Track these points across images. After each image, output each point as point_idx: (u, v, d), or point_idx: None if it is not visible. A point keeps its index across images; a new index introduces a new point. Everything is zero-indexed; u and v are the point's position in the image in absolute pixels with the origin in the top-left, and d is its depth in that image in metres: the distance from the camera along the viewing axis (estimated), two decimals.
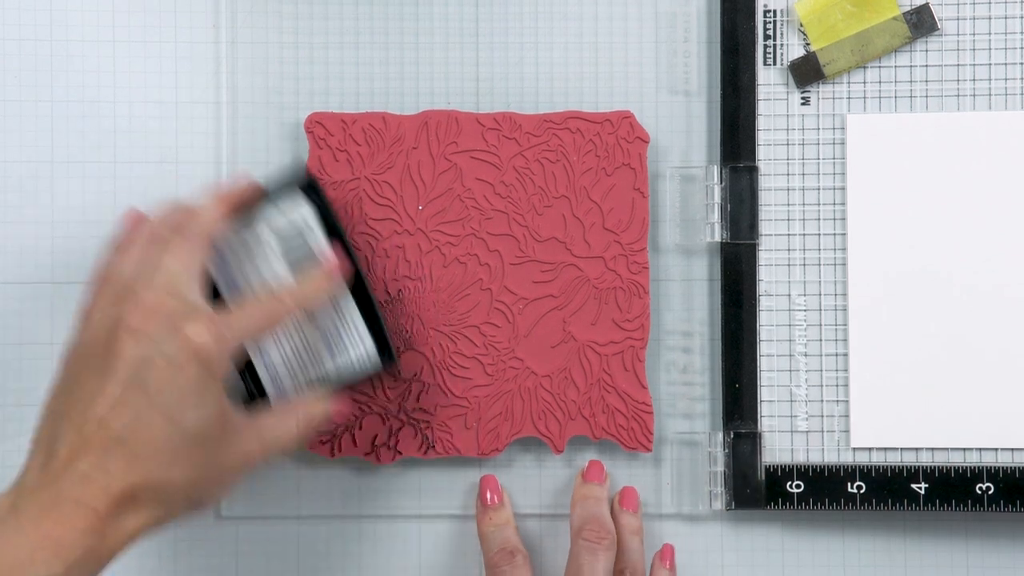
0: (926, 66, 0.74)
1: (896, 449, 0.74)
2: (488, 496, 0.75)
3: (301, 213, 0.71)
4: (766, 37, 0.75)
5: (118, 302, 0.63)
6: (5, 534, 0.58)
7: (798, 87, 0.75)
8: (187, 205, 0.67)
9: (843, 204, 0.75)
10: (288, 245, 0.71)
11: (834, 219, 0.75)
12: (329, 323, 0.71)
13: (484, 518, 0.74)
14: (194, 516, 0.64)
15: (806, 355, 0.75)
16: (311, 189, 0.71)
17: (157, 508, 0.61)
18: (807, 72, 0.75)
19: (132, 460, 0.60)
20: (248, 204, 0.70)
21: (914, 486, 0.74)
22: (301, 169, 0.72)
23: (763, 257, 0.75)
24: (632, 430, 0.75)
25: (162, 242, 0.65)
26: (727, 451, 0.75)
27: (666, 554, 0.74)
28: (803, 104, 0.75)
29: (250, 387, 0.70)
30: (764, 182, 0.75)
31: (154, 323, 0.62)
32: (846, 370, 0.74)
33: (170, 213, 0.67)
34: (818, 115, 0.75)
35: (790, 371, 0.75)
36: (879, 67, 0.75)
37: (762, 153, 0.75)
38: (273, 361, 0.71)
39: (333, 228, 0.71)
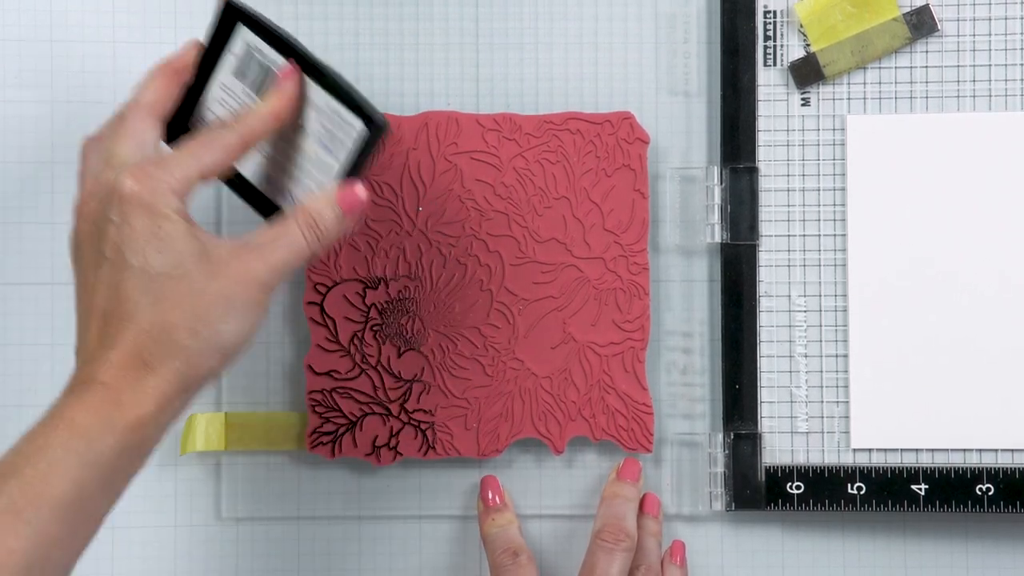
0: (926, 67, 0.74)
1: (896, 450, 0.74)
2: (490, 496, 0.75)
3: (244, 40, 0.68)
4: (766, 38, 0.75)
5: (78, 196, 0.64)
6: (38, 437, 0.58)
7: (798, 88, 0.75)
8: (130, 97, 0.67)
9: (843, 205, 0.75)
10: (243, 70, 0.68)
11: (834, 220, 0.75)
12: (319, 129, 0.67)
13: (487, 519, 0.74)
14: (223, 368, 0.62)
15: (806, 356, 0.75)
16: (239, 16, 0.68)
17: (171, 361, 0.60)
18: (807, 73, 0.75)
19: (122, 324, 0.60)
20: (197, 63, 0.68)
21: (914, 487, 0.74)
22: (220, 3, 0.68)
23: (763, 258, 0.75)
24: (632, 431, 0.75)
25: (107, 134, 0.65)
26: (727, 452, 0.75)
27: (676, 551, 0.74)
28: (803, 105, 0.75)
29: (260, 207, 0.69)
30: (764, 183, 0.75)
31: (95, 198, 0.62)
32: (846, 371, 0.74)
33: (115, 112, 0.67)
34: (818, 116, 0.75)
35: (790, 372, 0.75)
36: (879, 68, 0.75)
37: (762, 154, 0.75)
38: (269, 175, 0.68)
39: (275, 39, 0.67)
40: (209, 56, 0.68)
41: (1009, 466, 0.73)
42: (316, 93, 0.66)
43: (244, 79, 0.68)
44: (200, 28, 0.77)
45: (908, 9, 0.74)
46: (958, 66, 0.75)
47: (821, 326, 0.75)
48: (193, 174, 0.63)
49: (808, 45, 0.75)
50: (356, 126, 0.65)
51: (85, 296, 0.62)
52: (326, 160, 0.66)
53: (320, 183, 0.66)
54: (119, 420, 0.58)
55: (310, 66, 0.66)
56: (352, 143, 0.65)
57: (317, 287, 0.75)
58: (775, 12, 0.75)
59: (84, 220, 0.63)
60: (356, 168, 0.66)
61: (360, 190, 0.65)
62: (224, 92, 0.68)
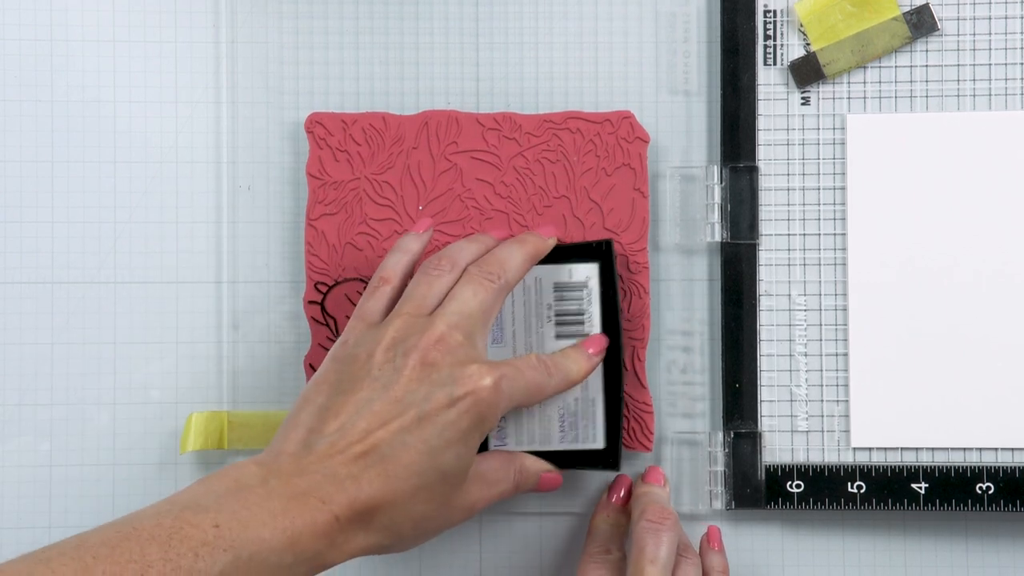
0: (926, 66, 0.75)
1: (896, 449, 0.74)
2: (617, 496, 0.75)
3: (587, 272, 0.72)
4: (766, 37, 0.75)
5: (414, 326, 0.65)
6: (253, 504, 0.59)
7: (798, 87, 0.75)
8: (499, 253, 0.69)
9: (843, 204, 0.75)
10: (563, 296, 0.72)
11: (834, 219, 0.75)
12: (571, 401, 0.72)
13: (602, 512, 0.74)
14: (401, 552, 0.66)
15: (806, 355, 0.75)
16: (604, 252, 0.73)
17: (384, 535, 0.63)
18: (807, 72, 0.75)
19: (384, 480, 0.62)
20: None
21: (914, 486, 0.74)
22: (602, 240, 0.73)
23: (763, 257, 0.75)
24: (632, 430, 0.75)
25: (471, 280, 0.67)
26: (727, 451, 0.75)
27: (713, 537, 0.74)
28: (803, 104, 0.75)
29: None
30: (764, 182, 0.75)
31: (445, 359, 0.64)
32: (846, 370, 0.74)
33: (483, 256, 0.69)
34: (818, 115, 0.75)
35: (790, 371, 0.75)
36: (879, 67, 0.75)
37: (762, 153, 0.75)
38: (506, 419, 0.72)
39: (610, 294, 0.72)
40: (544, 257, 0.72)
41: (1009, 465, 0.73)
42: (595, 380, 0.72)
43: (560, 296, 0.72)
44: (199, 28, 0.77)
45: (908, 8, 0.74)
46: (958, 65, 0.75)
47: (821, 325, 0.75)
48: (515, 405, 0.67)
49: (808, 44, 0.75)
50: (598, 442, 0.72)
51: (357, 406, 0.63)
52: (554, 430, 0.72)
53: (538, 438, 0.72)
54: (322, 559, 0.61)
55: (614, 352, 0.72)
56: (580, 441, 0.72)
57: (317, 286, 0.75)
58: (775, 11, 0.75)
59: (390, 344, 0.65)
60: (569, 461, 0.72)
61: (559, 481, 0.72)
62: (527, 292, 0.72)
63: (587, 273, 0.72)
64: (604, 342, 0.72)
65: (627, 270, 0.75)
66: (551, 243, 0.72)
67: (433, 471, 0.63)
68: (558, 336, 0.72)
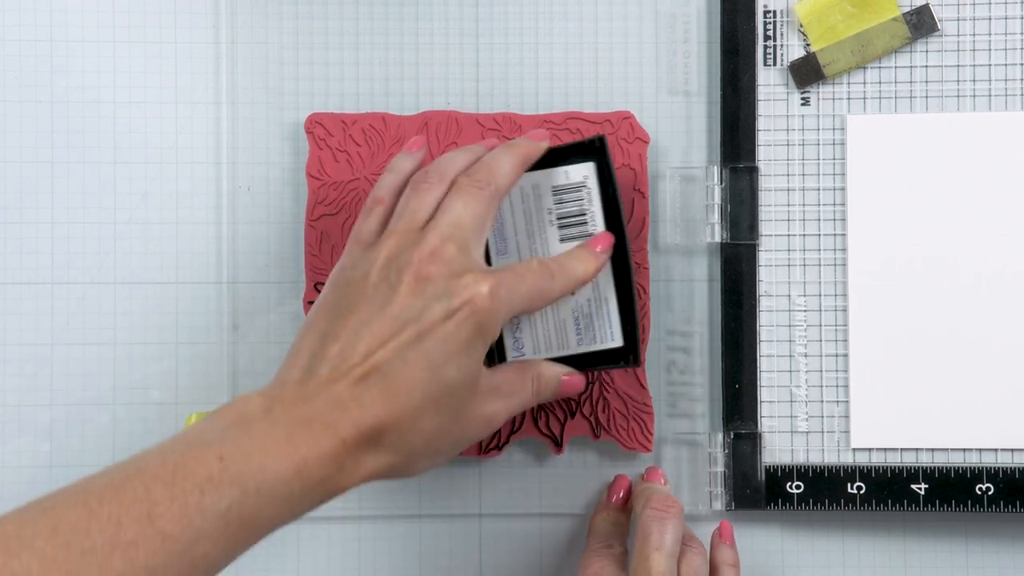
0: (926, 67, 0.75)
1: (896, 450, 0.74)
2: (616, 496, 0.74)
3: (583, 171, 0.70)
4: (766, 38, 0.75)
5: (407, 242, 0.64)
6: (257, 434, 0.58)
7: (798, 88, 0.75)
8: (488, 160, 0.67)
9: (843, 205, 0.75)
10: (563, 199, 0.70)
11: (834, 219, 0.75)
12: (584, 302, 0.71)
13: (603, 511, 0.74)
14: (420, 473, 0.64)
15: (806, 355, 0.75)
16: (598, 148, 0.70)
17: (396, 455, 0.61)
18: (807, 73, 0.75)
19: (388, 398, 0.61)
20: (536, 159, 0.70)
21: (914, 487, 0.74)
22: (595, 136, 0.71)
23: (763, 257, 0.75)
24: (632, 430, 0.75)
25: (460, 191, 0.65)
26: (727, 451, 0.75)
27: (725, 531, 0.74)
28: (803, 105, 0.75)
29: (491, 350, 0.69)
30: (764, 182, 0.75)
31: (440, 272, 0.62)
32: (846, 370, 0.74)
33: (473, 165, 0.67)
34: (818, 116, 0.75)
35: (790, 371, 0.75)
36: (879, 68, 0.75)
37: (762, 153, 0.75)
38: (520, 327, 0.71)
39: (609, 191, 0.70)
40: (539, 163, 0.70)
41: (1009, 465, 0.73)
42: (605, 278, 0.70)
43: (560, 199, 0.70)
44: (199, 28, 0.77)
45: (908, 9, 0.74)
46: (958, 66, 0.75)
47: (821, 326, 0.75)
48: (517, 312, 0.65)
49: (808, 45, 0.75)
50: (615, 340, 0.70)
51: (355, 328, 0.62)
52: (571, 334, 0.70)
53: (555, 344, 0.70)
54: (333, 483, 0.60)
55: (620, 248, 0.70)
56: (599, 341, 0.70)
57: (317, 287, 0.75)
58: (775, 12, 0.75)
59: (385, 263, 0.63)
60: (589, 363, 0.70)
61: (581, 383, 0.70)
62: (525, 199, 0.70)
63: (584, 172, 0.70)
64: (610, 239, 0.70)
65: None
66: (543, 146, 0.69)
67: (437, 385, 0.62)
68: (563, 239, 0.70)
